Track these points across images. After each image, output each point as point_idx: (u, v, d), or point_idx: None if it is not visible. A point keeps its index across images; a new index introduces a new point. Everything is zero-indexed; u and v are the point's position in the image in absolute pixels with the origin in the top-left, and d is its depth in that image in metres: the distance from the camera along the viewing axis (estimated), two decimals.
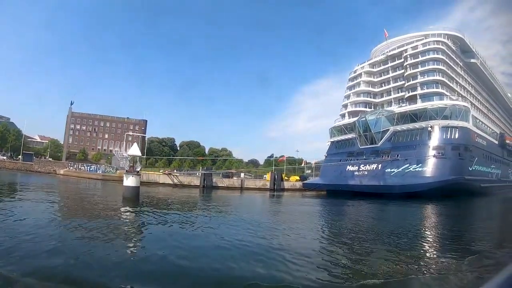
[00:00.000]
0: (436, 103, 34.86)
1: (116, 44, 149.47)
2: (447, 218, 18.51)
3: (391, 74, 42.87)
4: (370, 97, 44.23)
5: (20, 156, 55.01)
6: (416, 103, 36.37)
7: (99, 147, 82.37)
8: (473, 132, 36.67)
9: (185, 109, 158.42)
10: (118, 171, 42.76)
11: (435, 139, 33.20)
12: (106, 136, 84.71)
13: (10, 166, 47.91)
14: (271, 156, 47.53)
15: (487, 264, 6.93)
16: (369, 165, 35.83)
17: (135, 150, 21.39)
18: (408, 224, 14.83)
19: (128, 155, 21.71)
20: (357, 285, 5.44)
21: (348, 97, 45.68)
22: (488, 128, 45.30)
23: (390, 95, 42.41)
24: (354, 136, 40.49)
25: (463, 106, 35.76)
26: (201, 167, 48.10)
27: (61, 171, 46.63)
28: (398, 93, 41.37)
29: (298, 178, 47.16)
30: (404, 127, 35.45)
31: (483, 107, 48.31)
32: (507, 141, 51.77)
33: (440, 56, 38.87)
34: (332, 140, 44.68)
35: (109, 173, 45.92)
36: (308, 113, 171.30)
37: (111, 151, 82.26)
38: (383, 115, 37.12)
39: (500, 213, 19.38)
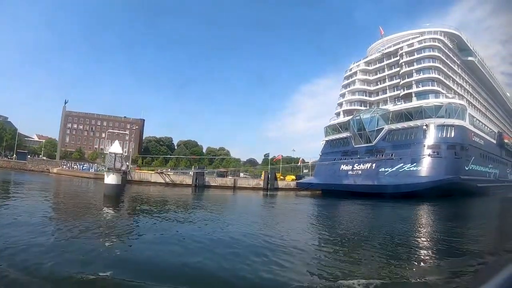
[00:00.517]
0: (431, 101, 33.92)
1: (116, 44, 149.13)
2: (438, 219, 17.62)
3: (386, 72, 41.92)
4: (366, 96, 43.31)
5: (14, 155, 54.47)
6: (412, 101, 35.34)
7: (96, 146, 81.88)
8: (469, 131, 35.67)
9: (184, 108, 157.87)
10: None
11: (430, 138, 32.25)
12: (104, 135, 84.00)
13: (4, 165, 47.32)
14: (267, 155, 46.55)
15: (474, 264, 6.80)
16: (363, 165, 34.93)
17: (116, 147, 20.79)
18: (397, 226, 14.14)
19: (110, 153, 21.10)
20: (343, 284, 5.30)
21: (343, 95, 44.77)
22: (486, 127, 44.23)
23: (386, 93, 41.46)
24: (348, 135, 39.61)
25: (460, 104, 34.80)
26: (197, 166, 47.41)
27: (54, 170, 45.96)
28: (394, 91, 40.43)
29: (294, 177, 46.23)
30: (399, 125, 34.52)
31: (480, 105, 47.27)
32: (506, 140, 50.74)
33: (436, 54, 37.89)
34: (326, 139, 43.79)
35: (102, 172, 45.23)
36: (307, 113, 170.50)
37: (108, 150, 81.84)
38: (377, 113, 36.20)
39: (494, 214, 18.43)
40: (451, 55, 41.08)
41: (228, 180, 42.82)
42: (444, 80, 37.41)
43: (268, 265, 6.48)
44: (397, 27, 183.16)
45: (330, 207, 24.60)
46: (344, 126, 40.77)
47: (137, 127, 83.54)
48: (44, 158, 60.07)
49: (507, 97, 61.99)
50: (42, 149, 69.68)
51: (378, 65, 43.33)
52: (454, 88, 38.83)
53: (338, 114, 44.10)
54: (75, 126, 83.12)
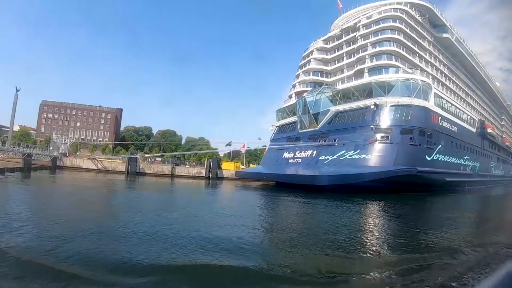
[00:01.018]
0: (384, 76, 27.83)
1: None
2: (345, 224, 11.79)
3: (344, 50, 35.89)
4: (322, 76, 37.34)
5: None
6: (363, 78, 29.31)
7: (71, 136, 78.27)
8: (434, 113, 29.39)
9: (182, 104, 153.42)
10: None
11: (380, 121, 26.24)
12: (78, 124, 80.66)
13: None
14: (229, 144, 41.16)
15: None
16: (304, 152, 29.13)
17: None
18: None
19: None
20: None
21: (298, 76, 38.93)
22: (463, 114, 37.75)
23: (344, 73, 35.41)
24: (296, 119, 33.76)
25: (421, 81, 28.54)
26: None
27: None
28: (352, 70, 34.32)
29: (238, 165, 40.63)
30: (347, 106, 28.57)
31: (458, 89, 40.70)
32: (489, 130, 43.97)
33: (397, 25, 31.75)
34: (277, 124, 38.03)
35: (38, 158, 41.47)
36: None
37: (82, 139, 78.20)
38: (323, 93, 30.25)
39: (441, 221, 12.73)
40: (419, 28, 34.80)
41: (166, 168, 38.43)
42: (407, 55, 31.25)
43: None
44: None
45: (254, 202, 18.79)
46: (293, 110, 34.97)
47: (110, 116, 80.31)
48: None
49: (493, 84, 54.93)
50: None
51: (336, 43, 37.32)
52: (419, 65, 32.59)
53: (290, 97, 38.26)
54: (50, 115, 79.70)
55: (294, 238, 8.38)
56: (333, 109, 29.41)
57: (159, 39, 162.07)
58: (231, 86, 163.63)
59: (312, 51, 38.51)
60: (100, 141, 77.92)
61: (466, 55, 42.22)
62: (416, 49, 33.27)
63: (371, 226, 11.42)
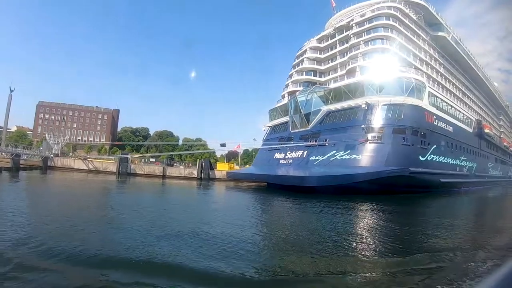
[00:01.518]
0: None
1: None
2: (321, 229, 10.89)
3: (338, 49, 34.78)
4: (316, 76, 36.23)
5: None
6: (355, 77, 28.21)
7: (68, 136, 77.79)
8: (429, 112, 28.25)
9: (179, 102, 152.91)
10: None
11: (372, 120, 25.14)
12: (75, 125, 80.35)
13: None
14: (224, 144, 40.21)
15: None
16: (295, 152, 28.09)
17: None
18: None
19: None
20: None
21: (291, 76, 37.87)
22: (460, 113, 36.48)
23: (337, 72, 34.28)
24: (288, 119, 32.72)
25: (414, 79, 27.40)
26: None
27: None
28: (345, 69, 33.19)
29: (232, 166, 39.71)
30: (338, 106, 27.51)
31: (455, 88, 39.42)
32: (486, 130, 42.61)
33: (391, 23, 30.61)
34: (270, 124, 37.01)
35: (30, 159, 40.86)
36: None
37: (79, 140, 77.75)
38: (315, 92, 29.20)
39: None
40: (413, 26, 33.64)
41: (157, 168, 37.88)
42: (400, 53, 30.03)
43: None
44: None
45: (243, 205, 17.80)
46: (285, 110, 33.94)
47: (106, 117, 79.74)
48: None
49: (493, 86, 53.51)
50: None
51: (330, 42, 36.24)
52: (413, 63, 31.40)
53: (283, 97, 37.22)
54: (47, 116, 79.26)
55: (281, 241, 8.06)
56: (325, 108, 28.35)
57: (159, 39, 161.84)
58: (231, 87, 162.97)
59: (305, 51, 37.46)
60: (97, 141, 77.42)
61: (463, 54, 40.93)
62: (410, 47, 32.10)
63: (358, 229, 10.79)
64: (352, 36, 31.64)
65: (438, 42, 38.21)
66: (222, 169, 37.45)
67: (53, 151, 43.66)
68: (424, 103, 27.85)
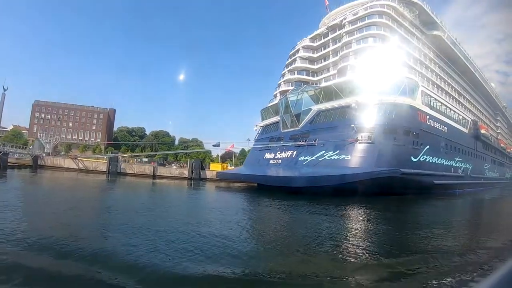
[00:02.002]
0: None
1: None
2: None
3: (330, 48, 33.94)
4: (308, 75, 35.41)
5: None
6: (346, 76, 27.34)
7: (63, 136, 77.23)
8: (422, 112, 27.33)
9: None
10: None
11: (364, 119, 24.22)
12: (70, 124, 79.65)
13: None
14: (217, 144, 39.44)
15: None
16: (284, 152, 27.23)
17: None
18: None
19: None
20: None
21: (283, 75, 37.06)
22: (455, 114, 35.49)
23: (329, 71, 33.44)
24: (279, 119, 31.88)
25: (407, 78, 26.48)
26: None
27: None
28: (337, 68, 32.34)
29: (225, 166, 38.90)
30: (329, 105, 26.63)
31: (450, 88, 38.44)
32: (482, 131, 41.54)
33: (384, 21, 29.73)
34: (261, 124, 36.16)
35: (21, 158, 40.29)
36: None
37: (74, 139, 77.22)
38: (305, 92, 28.35)
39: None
40: (407, 25, 32.73)
41: (147, 168, 37.10)
42: (393, 52, 29.07)
43: None
44: None
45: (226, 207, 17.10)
46: (277, 110, 33.09)
47: (102, 116, 79.13)
48: None
49: (490, 87, 52.45)
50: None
51: (323, 41, 35.40)
52: (408, 63, 30.50)
53: (275, 96, 36.40)
54: (42, 115, 78.47)
55: (268, 245, 7.75)
56: (315, 108, 27.49)
57: (158, 39, 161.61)
58: (230, 87, 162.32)
59: (298, 50, 36.66)
60: (92, 141, 76.77)
61: (459, 54, 39.96)
62: (404, 45, 31.14)
63: (346, 231, 10.25)
64: (344, 34, 30.83)
65: (434, 42, 37.24)
66: (215, 169, 36.69)
67: (45, 150, 43.06)
68: (417, 102, 26.93)
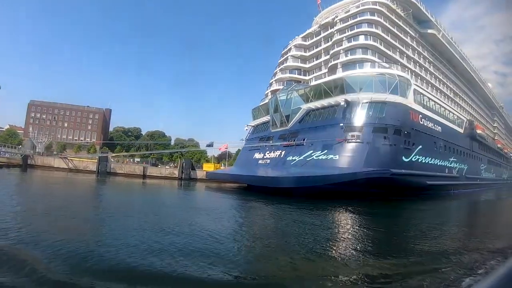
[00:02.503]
0: (357, 71, 25.01)
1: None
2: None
3: (322, 46, 33.13)
4: (300, 74, 34.58)
5: None
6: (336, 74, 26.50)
7: (59, 136, 76.69)
8: (414, 111, 26.41)
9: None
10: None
11: (354, 118, 23.40)
12: (66, 124, 79.09)
13: None
14: (210, 144, 38.57)
15: None
16: (273, 152, 26.42)
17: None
18: None
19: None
20: None
21: (275, 74, 36.27)
22: (449, 113, 34.58)
23: (321, 70, 32.61)
24: (269, 118, 31.09)
25: (398, 76, 25.57)
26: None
27: None
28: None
29: (218, 166, 38.18)
30: (318, 104, 25.78)
31: (446, 88, 37.55)
32: (478, 131, 40.58)
33: (376, 18, 28.89)
34: (252, 124, 35.40)
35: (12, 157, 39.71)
36: None
37: (70, 139, 76.71)
38: (295, 91, 27.54)
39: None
40: (400, 23, 31.88)
41: (137, 168, 36.66)
42: (385, 50, 28.34)
43: None
44: None
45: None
46: (267, 109, 32.29)
47: (98, 116, 78.55)
48: None
49: (487, 86, 51.44)
50: None
51: (315, 39, 34.57)
52: (401, 61, 29.66)
53: (266, 95, 35.62)
54: (38, 115, 77.85)
55: (256, 249, 7.55)
56: (305, 107, 26.65)
57: (157, 39, 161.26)
58: (229, 87, 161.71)
59: (290, 48, 35.86)
60: (88, 141, 76.18)
61: (454, 53, 39.04)
62: (397, 44, 30.37)
63: (334, 233, 10.10)
64: (335, 32, 30.02)
65: (428, 40, 36.39)
66: (208, 169, 36.07)
67: (36, 150, 42.45)
68: (409, 101, 26.01)
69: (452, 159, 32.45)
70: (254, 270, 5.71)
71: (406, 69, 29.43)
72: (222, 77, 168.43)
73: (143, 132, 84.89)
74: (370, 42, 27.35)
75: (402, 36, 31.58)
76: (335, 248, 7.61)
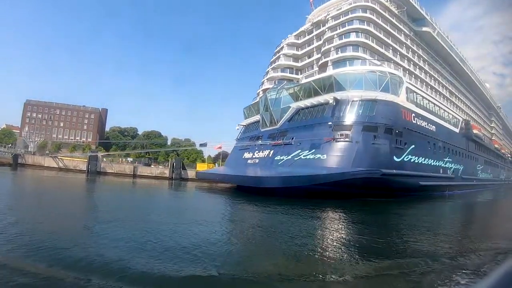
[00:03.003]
0: (347, 69, 24.22)
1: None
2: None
3: (314, 45, 32.38)
4: (292, 73, 33.86)
5: None
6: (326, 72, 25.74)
7: (54, 135, 76.22)
8: (406, 109, 25.55)
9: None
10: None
11: (343, 117, 22.62)
12: (62, 124, 78.49)
13: None
14: (204, 144, 37.86)
15: None
16: (262, 152, 25.67)
17: None
18: None
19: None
20: None
21: (267, 73, 35.56)
22: (444, 112, 33.70)
23: (313, 68, 31.84)
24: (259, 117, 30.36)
25: (390, 73, 24.76)
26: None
27: None
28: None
29: (211, 166, 37.53)
30: (308, 102, 24.99)
31: (441, 87, 36.68)
32: (475, 131, 39.63)
33: (368, 15, 28.14)
34: (243, 123, 34.68)
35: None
36: None
37: (66, 139, 76.22)
38: (285, 89, 26.81)
39: None
40: (394, 20, 31.09)
41: (127, 167, 35.97)
42: (377, 48, 27.56)
43: None
44: None
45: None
46: (258, 108, 31.55)
47: (94, 116, 78.01)
48: None
49: (484, 86, 50.47)
50: None
51: (307, 37, 33.88)
52: (394, 59, 28.86)
53: (258, 94, 34.90)
54: (34, 115, 77.17)
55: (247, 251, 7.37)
56: (294, 105, 25.90)
57: (157, 39, 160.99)
58: (228, 87, 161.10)
59: (282, 47, 35.15)
60: (83, 141, 75.66)
61: (449, 51, 38.17)
62: (390, 41, 29.58)
63: (324, 235, 9.84)
64: (327, 30, 29.27)
65: (423, 38, 35.58)
66: (201, 169, 35.46)
67: (28, 149, 41.94)
68: (401, 99, 25.17)
69: (447, 159, 31.55)
70: (239, 270, 5.57)
71: (399, 67, 28.63)
72: (221, 78, 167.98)
73: (140, 132, 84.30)
74: (362, 39, 26.58)
75: (395, 33, 30.79)
76: (322, 249, 7.44)
